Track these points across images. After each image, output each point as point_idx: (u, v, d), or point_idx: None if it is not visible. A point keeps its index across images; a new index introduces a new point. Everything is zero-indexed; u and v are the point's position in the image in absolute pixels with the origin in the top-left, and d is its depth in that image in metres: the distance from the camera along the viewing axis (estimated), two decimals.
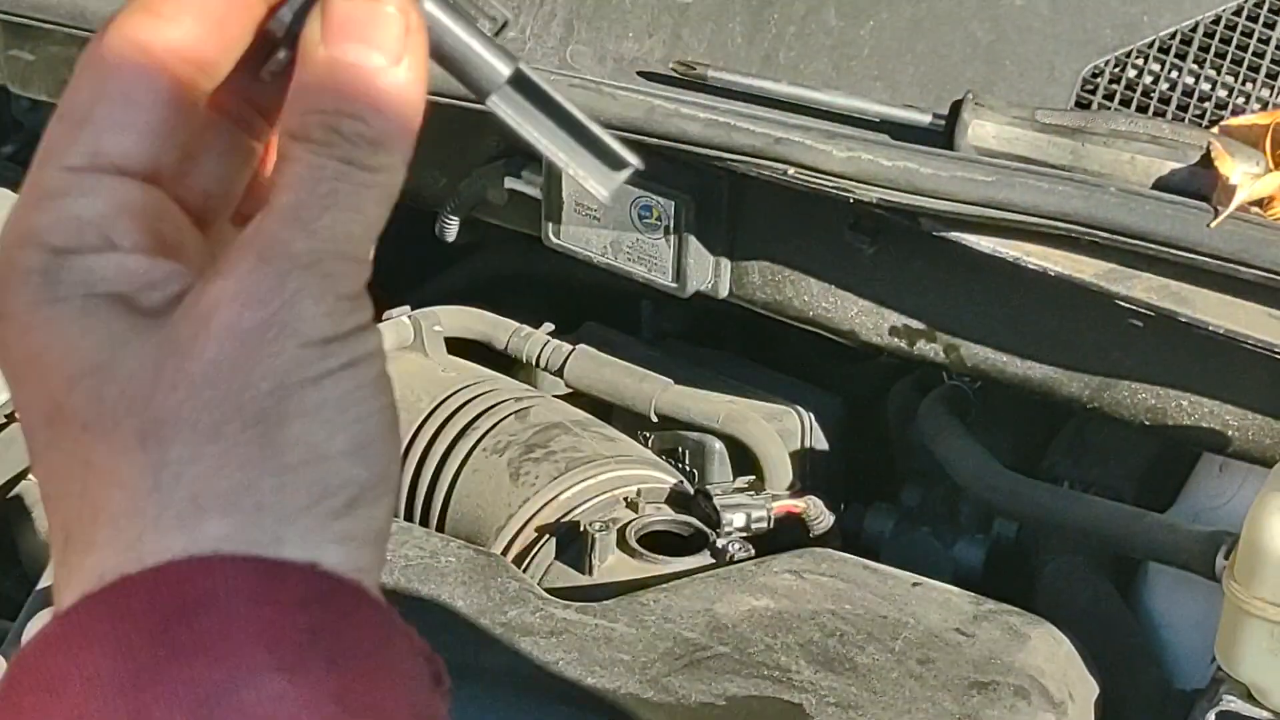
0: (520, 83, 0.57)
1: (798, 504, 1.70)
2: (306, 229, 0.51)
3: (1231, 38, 1.52)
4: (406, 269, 2.13)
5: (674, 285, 1.67)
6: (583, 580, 1.58)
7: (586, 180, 0.58)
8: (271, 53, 0.56)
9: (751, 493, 1.70)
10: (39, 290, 0.52)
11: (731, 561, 1.59)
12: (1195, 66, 1.53)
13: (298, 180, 0.52)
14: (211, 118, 0.56)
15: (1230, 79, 1.53)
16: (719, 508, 1.64)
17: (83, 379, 0.51)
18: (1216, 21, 1.52)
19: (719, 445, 1.77)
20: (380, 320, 1.85)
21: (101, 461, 0.51)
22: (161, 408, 0.50)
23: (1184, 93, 1.52)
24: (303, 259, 0.51)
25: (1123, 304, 1.48)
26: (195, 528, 0.50)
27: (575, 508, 1.64)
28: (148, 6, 0.54)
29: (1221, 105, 1.52)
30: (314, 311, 0.51)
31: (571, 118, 0.58)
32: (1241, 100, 1.52)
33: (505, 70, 0.57)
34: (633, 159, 0.59)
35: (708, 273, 1.67)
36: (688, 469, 1.78)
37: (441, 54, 0.57)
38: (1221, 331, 1.46)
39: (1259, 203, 1.44)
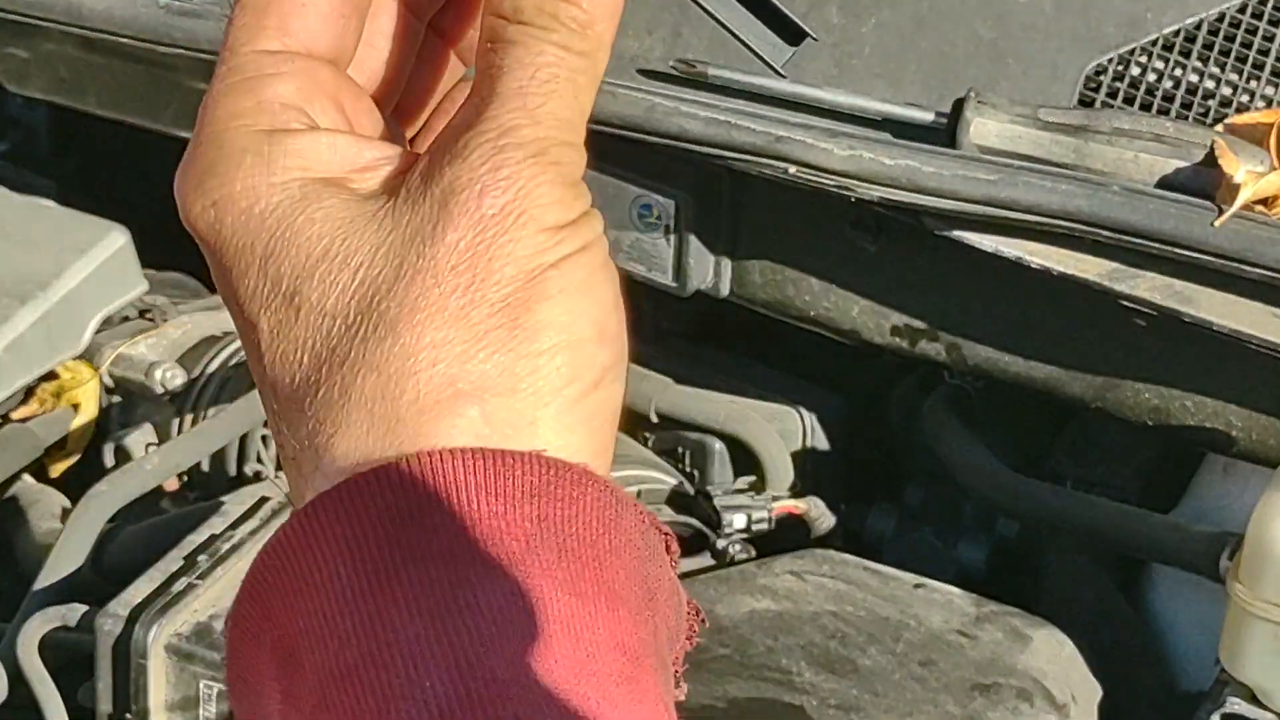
0: None
1: (799, 505, 1.70)
2: (532, 116, 0.52)
3: (1236, 35, 1.51)
4: None
5: (674, 284, 1.67)
6: None
7: (761, 50, 0.58)
8: None
9: (752, 493, 1.70)
10: (254, 173, 0.52)
11: (732, 563, 1.59)
12: (1199, 64, 1.52)
13: (518, 65, 0.52)
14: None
15: (1235, 77, 1.52)
16: (719, 508, 1.64)
17: (317, 264, 0.51)
18: (1221, 19, 1.52)
19: (719, 445, 1.77)
20: None
21: (346, 346, 0.51)
22: (407, 295, 0.50)
23: (1188, 90, 1.52)
24: (533, 146, 0.52)
25: (1126, 303, 1.47)
26: (454, 410, 0.50)
27: None
28: None
29: (1226, 103, 1.51)
30: (549, 198, 0.52)
31: None
32: (1246, 98, 1.51)
33: None
34: (809, 30, 0.58)
35: (708, 272, 1.67)
36: (688, 469, 1.77)
37: None
38: (1225, 331, 1.45)
39: (1263, 201, 1.43)
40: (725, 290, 1.68)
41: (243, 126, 0.53)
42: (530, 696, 0.47)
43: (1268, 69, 1.51)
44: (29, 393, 1.70)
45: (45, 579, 1.57)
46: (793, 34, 0.57)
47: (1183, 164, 1.46)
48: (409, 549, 0.48)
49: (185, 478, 1.77)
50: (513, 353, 0.51)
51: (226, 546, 1.50)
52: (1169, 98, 1.52)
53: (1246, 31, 1.51)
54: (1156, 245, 1.42)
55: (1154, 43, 1.52)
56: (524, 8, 0.53)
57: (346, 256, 0.51)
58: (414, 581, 0.48)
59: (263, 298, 0.52)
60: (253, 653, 0.50)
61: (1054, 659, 1.47)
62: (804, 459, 1.79)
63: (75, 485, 1.71)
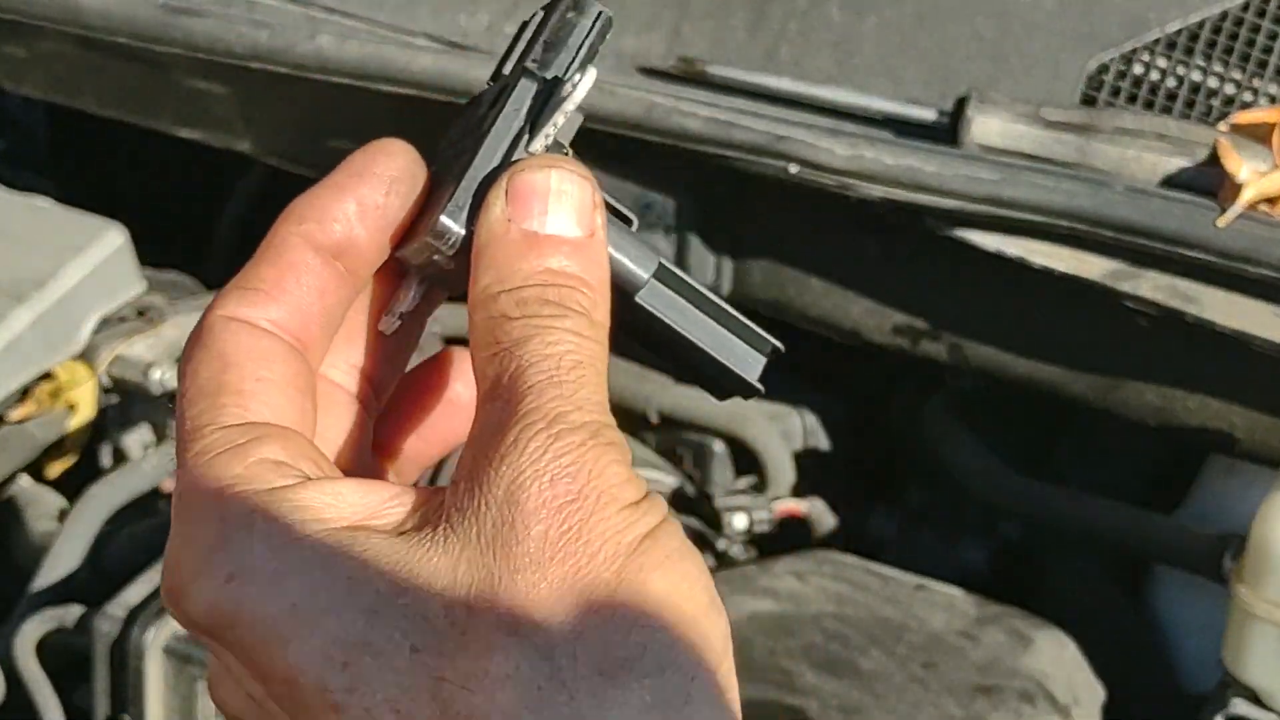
0: (664, 276, 0.58)
1: (800, 505, 1.69)
2: (573, 402, 0.51)
3: (1239, 34, 1.51)
4: None
5: None
6: None
7: (733, 365, 0.60)
8: (394, 301, 0.57)
9: (753, 494, 1.69)
10: (274, 534, 0.50)
11: (733, 564, 1.58)
12: (1202, 63, 1.51)
13: (540, 357, 0.52)
14: (321, 385, 0.57)
15: (1238, 75, 1.51)
16: (720, 509, 1.64)
17: (389, 605, 0.49)
18: (1224, 17, 1.51)
19: (720, 446, 1.76)
20: None
21: (463, 671, 0.48)
22: (513, 598, 0.49)
23: (1191, 89, 1.51)
24: (587, 430, 0.51)
25: (1129, 303, 1.47)
26: (612, 700, 0.48)
27: None
28: (244, 286, 0.55)
29: (1229, 102, 1.51)
30: (619, 478, 0.51)
31: (714, 305, 0.59)
32: (1249, 97, 1.50)
33: (651, 265, 0.58)
34: (774, 340, 0.60)
35: (709, 272, 1.66)
36: (689, 470, 1.77)
37: None
38: (1229, 331, 1.45)
39: (1267, 200, 1.43)
40: (726, 290, 1.68)
41: (240, 493, 0.51)
42: None
43: (1271, 67, 1.50)
44: (26, 393, 1.69)
45: (42, 580, 1.57)
46: (769, 349, 0.60)
47: (1186, 163, 1.45)
48: None
49: None
50: (648, 627, 0.49)
51: None
52: (1172, 96, 1.51)
53: (1249, 30, 1.51)
54: (1159, 245, 1.42)
55: (1157, 41, 1.52)
56: (528, 301, 0.52)
57: (419, 593, 0.49)
58: None
59: (331, 657, 0.49)
60: None
61: (1056, 661, 1.47)
62: (805, 460, 1.79)
63: (72, 486, 1.71)
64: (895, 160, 1.46)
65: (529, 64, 0.59)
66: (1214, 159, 1.44)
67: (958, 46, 1.55)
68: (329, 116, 1.72)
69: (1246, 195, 1.40)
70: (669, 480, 1.69)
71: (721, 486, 1.71)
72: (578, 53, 0.59)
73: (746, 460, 1.76)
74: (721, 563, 1.59)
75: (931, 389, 1.81)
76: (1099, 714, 1.48)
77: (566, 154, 0.58)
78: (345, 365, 0.58)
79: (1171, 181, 1.45)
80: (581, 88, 0.58)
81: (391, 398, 0.59)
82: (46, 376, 1.70)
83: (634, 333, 0.58)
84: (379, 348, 0.58)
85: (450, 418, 0.60)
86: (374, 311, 0.58)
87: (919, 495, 1.80)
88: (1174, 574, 1.59)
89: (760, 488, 1.73)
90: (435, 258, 0.56)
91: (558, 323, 0.52)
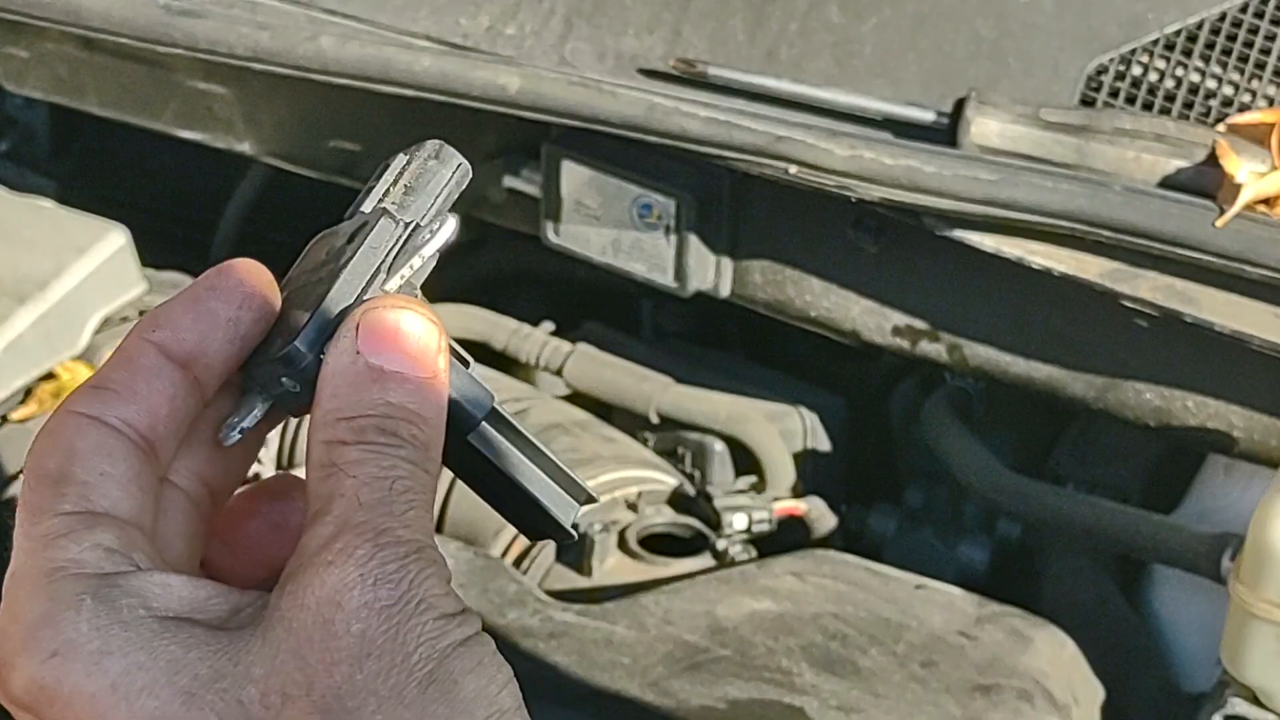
0: (495, 420, 0.62)
1: (799, 505, 1.70)
2: (401, 520, 0.54)
3: (1238, 35, 1.51)
4: None
5: (674, 285, 1.66)
6: (583, 582, 1.57)
7: (551, 509, 0.62)
8: (235, 416, 0.60)
9: (753, 494, 1.69)
10: (99, 614, 0.52)
11: (733, 563, 1.58)
12: (1201, 64, 1.52)
13: (374, 480, 0.55)
14: (163, 488, 0.59)
15: (1236, 76, 1.51)
16: (720, 509, 1.64)
17: (206, 689, 0.51)
18: (1223, 18, 1.51)
19: (720, 446, 1.76)
20: None
21: None
22: (329, 686, 0.51)
23: (1190, 90, 1.51)
24: (412, 546, 0.54)
25: (1128, 304, 1.47)
26: None
27: None
28: (98, 386, 0.57)
29: (1227, 103, 1.51)
30: (439, 590, 0.54)
31: (538, 451, 0.63)
32: (1248, 98, 1.51)
33: (484, 409, 0.61)
34: (590, 491, 0.64)
35: (708, 272, 1.66)
36: (688, 470, 1.77)
37: None
38: (1227, 331, 1.45)
39: (1265, 201, 1.43)
40: (726, 290, 1.68)
41: (72, 575, 0.53)
42: None
43: (1269, 69, 1.51)
44: (28, 393, 1.70)
45: None
46: (584, 498, 0.63)
47: (1184, 164, 1.46)
48: None
49: None
50: None
51: None
52: (1170, 97, 1.51)
53: (1248, 31, 1.51)
54: (1158, 245, 1.42)
55: (1155, 42, 1.52)
56: (366, 429, 0.55)
57: (236, 679, 0.51)
58: None
59: None
60: None
61: (1055, 660, 1.47)
62: (805, 459, 1.79)
63: None
64: (894, 161, 1.46)
65: (389, 205, 0.62)
66: (1212, 160, 1.44)
67: (957, 48, 1.56)
68: (330, 118, 1.72)
69: (1245, 196, 1.41)
70: (669, 480, 1.69)
71: (721, 486, 1.71)
72: (436, 200, 0.62)
73: (746, 460, 1.77)
74: (721, 562, 1.59)
75: (931, 389, 1.81)
76: (1097, 713, 1.48)
77: (417, 296, 0.61)
78: (187, 471, 0.60)
79: (1170, 182, 1.45)
80: (439, 236, 0.61)
81: (226, 513, 0.62)
82: (49, 377, 1.71)
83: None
84: (219, 458, 0.60)
85: (279, 541, 0.61)
86: (218, 423, 0.60)
87: (918, 495, 1.80)
88: (1172, 573, 1.60)
89: (760, 487, 1.73)
90: (283, 380, 0.58)
91: (392, 451, 0.55)
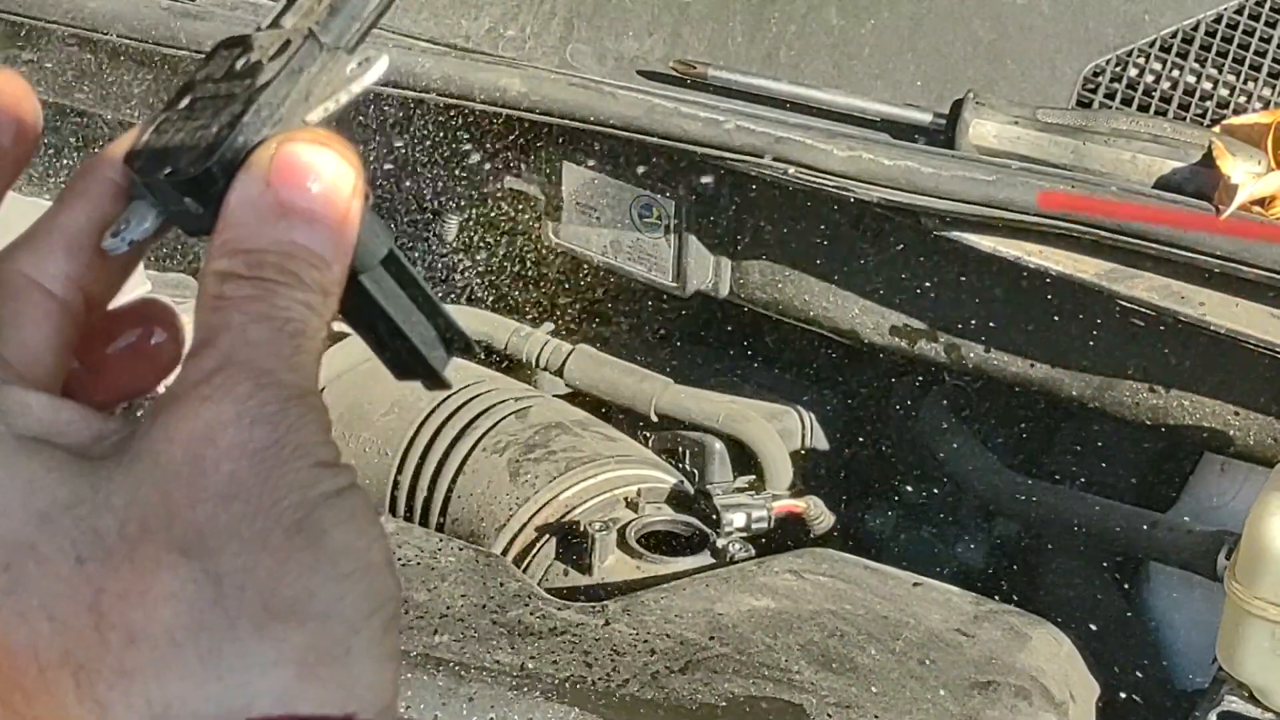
0: (391, 262, 0.59)
1: (798, 504, 1.70)
2: (288, 364, 0.52)
3: (1233, 36, 1.52)
4: None
5: (674, 285, 1.67)
6: (583, 580, 1.58)
7: (427, 355, 0.60)
8: (123, 225, 0.56)
9: (752, 492, 1.70)
10: None
11: (732, 561, 1.59)
12: (1197, 65, 1.52)
13: (264, 318, 0.52)
14: (33, 291, 0.56)
15: (1232, 78, 1.52)
16: (719, 507, 1.64)
17: (62, 513, 0.49)
18: (1218, 20, 1.52)
19: (719, 445, 1.77)
20: None
21: (126, 585, 0.48)
22: (191, 524, 0.49)
23: (1185, 92, 1.52)
24: (294, 390, 0.51)
25: (1124, 303, 1.47)
26: (273, 635, 0.48)
27: (575, 507, 1.64)
28: None
29: (1223, 104, 1.52)
30: (317, 437, 0.51)
31: (429, 299, 0.60)
32: (1243, 99, 1.51)
33: (383, 250, 0.58)
34: (474, 345, 0.61)
35: (708, 272, 1.67)
36: (688, 469, 1.78)
37: None
38: (1223, 331, 1.45)
39: (1260, 202, 1.44)
40: (725, 290, 1.69)
41: None
42: None
43: (1264, 70, 1.51)
44: None
45: None
46: (463, 345, 0.61)
47: (1180, 164, 1.46)
48: None
49: None
50: (318, 576, 0.50)
51: None
52: (1166, 99, 1.52)
53: (1243, 33, 1.52)
54: (1154, 245, 1.43)
55: (1152, 44, 1.53)
56: (266, 265, 0.52)
57: (95, 506, 0.49)
58: None
59: None
60: None
61: (1052, 657, 1.48)
62: (803, 458, 1.80)
63: None
64: (893, 162, 1.47)
65: (314, 26, 0.57)
66: (1208, 161, 1.45)
67: (954, 50, 1.56)
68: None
69: (1240, 196, 1.41)
70: (668, 479, 1.70)
71: (720, 485, 1.72)
72: (363, 24, 0.58)
73: (745, 459, 1.77)
74: (720, 560, 1.60)
75: (929, 388, 1.82)
76: (1094, 710, 1.49)
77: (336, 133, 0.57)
78: (66, 278, 0.56)
79: (1166, 183, 1.46)
80: (370, 74, 0.57)
81: (85, 334, 0.58)
82: None
83: (346, 305, 0.57)
84: (101, 267, 0.57)
85: (138, 370, 0.58)
86: (102, 228, 0.57)
87: (916, 493, 1.81)
88: (1169, 571, 1.60)
89: (759, 486, 1.73)
90: (186, 200, 0.55)
91: (288, 291, 0.52)
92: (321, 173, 0.54)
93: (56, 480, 0.49)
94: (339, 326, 0.57)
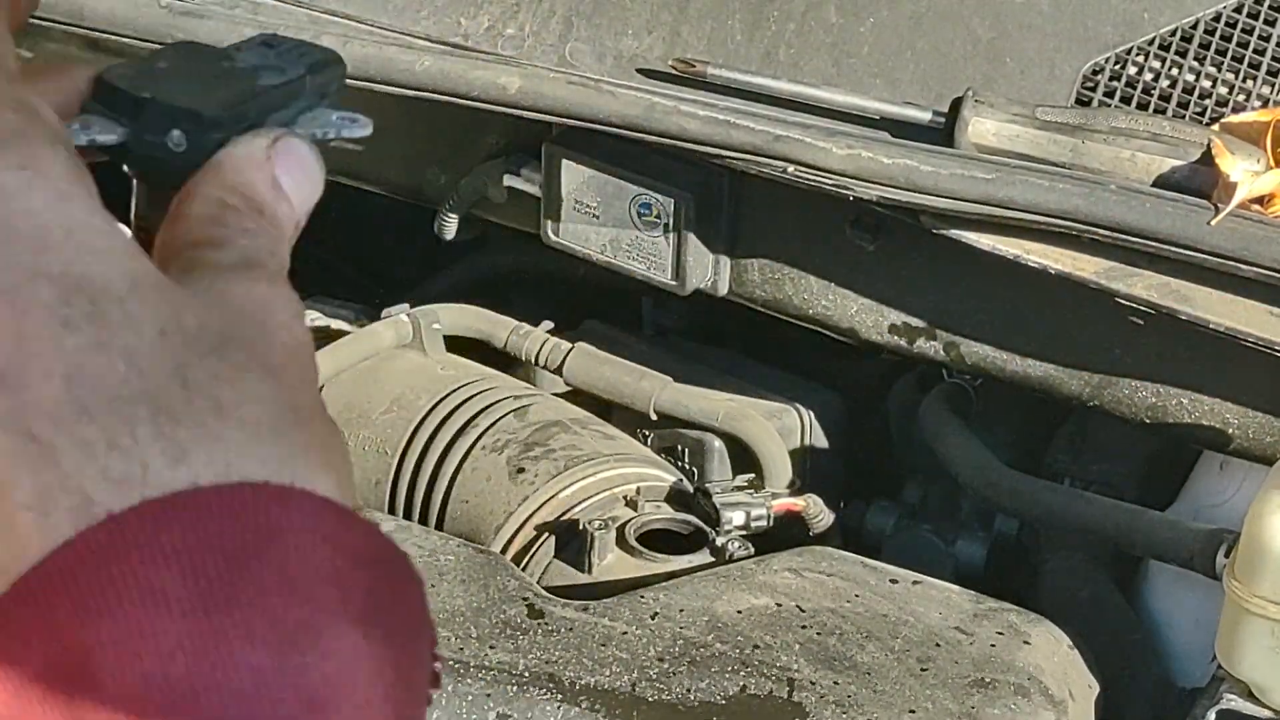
0: None
1: (798, 502, 1.70)
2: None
3: (1232, 35, 1.52)
4: (406, 267, 2.13)
5: (673, 283, 1.67)
6: (582, 578, 1.58)
7: None
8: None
9: (751, 491, 1.70)
10: (70, 158, 0.47)
11: (731, 560, 1.59)
12: (1196, 64, 1.53)
13: (263, 238, 0.52)
14: None
15: (1231, 76, 1.52)
16: (719, 506, 1.64)
17: (150, 289, 0.46)
18: (1217, 19, 1.52)
19: (718, 443, 1.77)
20: (379, 318, 1.85)
21: (214, 371, 0.46)
22: (267, 352, 0.48)
23: (1185, 90, 1.52)
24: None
25: (1123, 302, 1.48)
26: (335, 449, 0.48)
27: (574, 506, 1.64)
28: None
29: (1222, 102, 1.52)
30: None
31: None
32: (1242, 97, 1.51)
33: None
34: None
35: (707, 270, 1.67)
36: (687, 467, 1.78)
37: None
38: (1222, 329, 1.46)
39: (1260, 200, 1.44)
40: (724, 289, 1.69)
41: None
42: None
43: (1263, 69, 1.51)
44: None
45: None
46: None
47: (1179, 163, 1.46)
48: (250, 576, 0.44)
49: None
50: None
51: None
52: (1165, 97, 1.52)
53: (1243, 31, 1.52)
54: (1153, 244, 1.43)
55: (1151, 42, 1.53)
56: (264, 211, 0.52)
57: (178, 300, 0.47)
58: (258, 609, 0.43)
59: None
60: (4, 668, 0.43)
61: (1051, 656, 1.48)
62: (803, 456, 1.80)
63: None
64: (891, 160, 1.47)
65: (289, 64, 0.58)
66: (1207, 159, 1.45)
67: (953, 48, 1.57)
68: None
69: (1239, 195, 1.41)
70: (667, 477, 1.70)
71: (720, 483, 1.72)
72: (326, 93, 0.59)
73: (744, 457, 1.77)
74: (719, 559, 1.60)
75: (928, 387, 1.82)
76: (1093, 708, 1.49)
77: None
78: None
79: (1165, 181, 1.46)
80: (356, 129, 0.58)
81: None
82: None
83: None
84: None
85: None
86: (63, 107, 0.53)
87: (915, 492, 1.81)
88: (1167, 569, 1.60)
89: (758, 484, 1.73)
90: (175, 132, 0.54)
91: (270, 242, 0.51)
92: (310, 177, 0.54)
93: (148, 265, 0.47)
94: (338, 326, 0.57)
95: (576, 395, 1.84)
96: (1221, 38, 1.52)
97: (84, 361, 0.45)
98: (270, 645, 0.43)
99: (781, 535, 1.66)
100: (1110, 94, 1.53)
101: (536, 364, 1.87)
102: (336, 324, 1.88)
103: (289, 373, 0.48)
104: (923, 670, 1.42)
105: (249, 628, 0.43)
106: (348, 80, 0.61)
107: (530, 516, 1.64)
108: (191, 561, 0.43)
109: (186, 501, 0.44)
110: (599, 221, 1.68)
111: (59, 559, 0.43)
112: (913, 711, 1.39)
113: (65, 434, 0.44)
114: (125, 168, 0.56)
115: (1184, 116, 1.51)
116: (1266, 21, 1.52)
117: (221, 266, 0.49)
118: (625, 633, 1.44)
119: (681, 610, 1.47)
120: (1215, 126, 1.48)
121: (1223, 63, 1.52)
